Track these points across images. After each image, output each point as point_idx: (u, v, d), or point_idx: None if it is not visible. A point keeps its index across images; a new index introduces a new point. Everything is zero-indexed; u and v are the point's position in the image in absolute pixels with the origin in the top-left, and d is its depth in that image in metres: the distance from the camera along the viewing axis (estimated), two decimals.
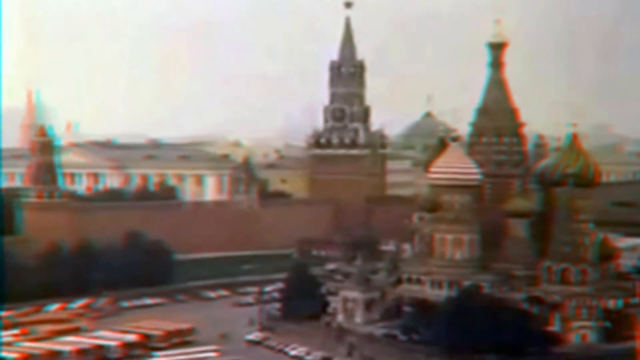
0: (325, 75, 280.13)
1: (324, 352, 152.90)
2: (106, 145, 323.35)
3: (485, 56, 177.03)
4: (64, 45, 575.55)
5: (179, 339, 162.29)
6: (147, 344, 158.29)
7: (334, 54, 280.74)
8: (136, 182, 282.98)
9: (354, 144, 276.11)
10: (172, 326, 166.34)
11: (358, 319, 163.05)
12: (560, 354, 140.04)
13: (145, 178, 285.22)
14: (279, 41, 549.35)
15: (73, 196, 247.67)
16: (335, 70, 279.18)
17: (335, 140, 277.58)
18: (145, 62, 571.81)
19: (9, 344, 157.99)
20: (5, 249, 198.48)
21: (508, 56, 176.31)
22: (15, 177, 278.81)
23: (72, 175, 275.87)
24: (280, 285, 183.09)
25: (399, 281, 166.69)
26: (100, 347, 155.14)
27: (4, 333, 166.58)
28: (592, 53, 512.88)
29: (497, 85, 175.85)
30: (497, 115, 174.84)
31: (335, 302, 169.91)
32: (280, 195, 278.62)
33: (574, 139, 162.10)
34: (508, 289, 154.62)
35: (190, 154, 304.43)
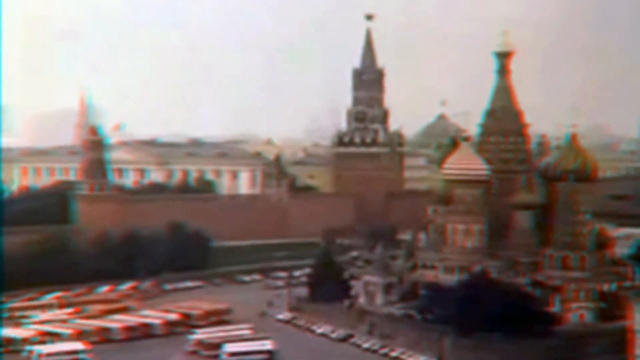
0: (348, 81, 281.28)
1: (347, 330, 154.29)
2: (151, 144, 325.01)
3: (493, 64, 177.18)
4: (114, 51, 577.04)
5: (217, 318, 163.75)
6: (188, 322, 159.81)
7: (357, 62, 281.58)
8: (177, 177, 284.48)
9: (374, 143, 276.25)
10: (210, 306, 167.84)
11: (378, 301, 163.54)
12: (559, 332, 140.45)
13: (185, 173, 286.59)
14: (305, 50, 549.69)
15: (121, 189, 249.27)
16: (358, 76, 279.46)
17: (357, 139, 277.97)
18: (187, 67, 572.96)
19: (64, 321, 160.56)
20: (61, 236, 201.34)
21: (514, 63, 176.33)
22: (69, 171, 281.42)
23: (120, 171, 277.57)
24: (308, 270, 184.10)
25: (415, 267, 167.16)
26: (146, 324, 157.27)
27: (60, 311, 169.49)
28: (592, 58, 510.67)
29: (503, 91, 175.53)
30: (504, 117, 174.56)
31: (357, 286, 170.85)
32: (308, 189, 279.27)
33: (573, 138, 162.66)
34: (513, 274, 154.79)
35: (226, 151, 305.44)
